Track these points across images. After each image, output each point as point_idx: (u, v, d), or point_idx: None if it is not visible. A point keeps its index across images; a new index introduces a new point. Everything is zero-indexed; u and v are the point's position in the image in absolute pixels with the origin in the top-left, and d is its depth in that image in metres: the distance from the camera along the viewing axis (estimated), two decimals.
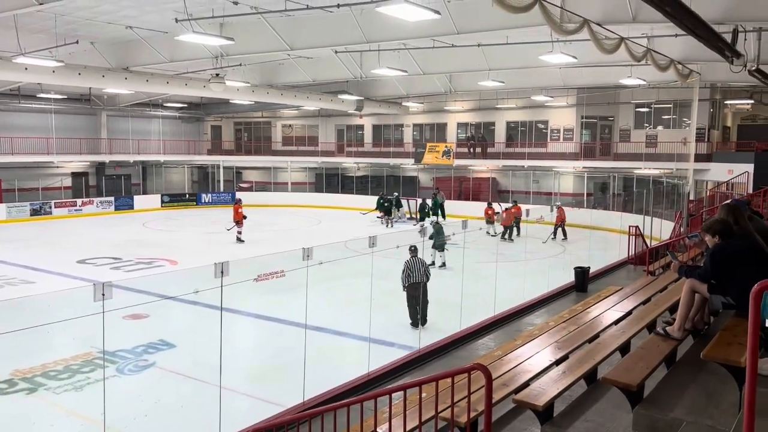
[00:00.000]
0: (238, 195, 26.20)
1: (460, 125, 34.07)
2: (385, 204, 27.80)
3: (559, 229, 22.76)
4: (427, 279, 11.55)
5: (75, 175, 34.28)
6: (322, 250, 7.07)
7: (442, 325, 9.60)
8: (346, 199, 34.32)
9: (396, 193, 29.94)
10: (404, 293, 11.50)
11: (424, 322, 11.34)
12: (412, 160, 33.66)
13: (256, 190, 38.23)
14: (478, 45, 18.37)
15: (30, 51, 16.40)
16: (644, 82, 21.00)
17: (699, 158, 24.40)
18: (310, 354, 7.35)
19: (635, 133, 28.80)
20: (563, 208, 22.63)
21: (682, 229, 17.86)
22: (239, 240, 22.03)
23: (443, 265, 16.83)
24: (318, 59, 22.30)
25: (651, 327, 6.33)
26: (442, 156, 32.20)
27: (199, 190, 38.61)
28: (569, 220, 22.79)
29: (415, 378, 6.74)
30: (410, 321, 11.53)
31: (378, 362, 8.12)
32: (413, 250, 11.82)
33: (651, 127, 28.61)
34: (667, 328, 5.01)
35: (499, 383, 5.08)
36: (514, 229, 22.60)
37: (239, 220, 22.57)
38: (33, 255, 19.56)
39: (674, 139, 26.60)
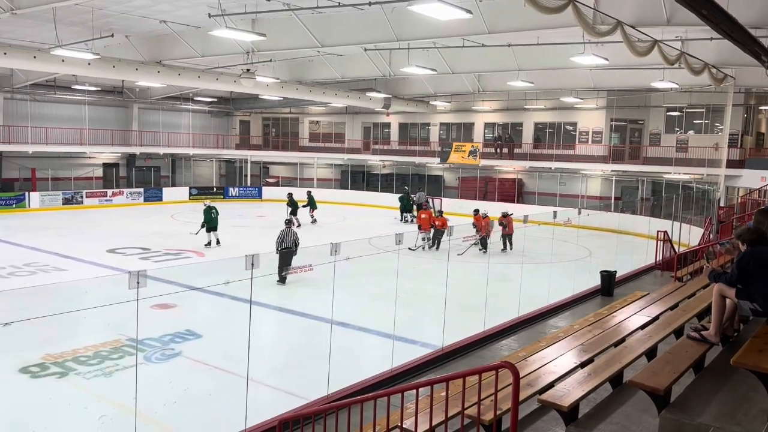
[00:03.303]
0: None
1: (487, 125, 33.92)
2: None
3: (507, 240, 20.12)
4: (296, 246, 14.91)
5: (106, 166, 34.92)
6: (346, 247, 7.14)
7: (465, 325, 9.60)
8: (371, 196, 34.42)
9: (421, 189, 29.89)
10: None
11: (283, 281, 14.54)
12: (437, 159, 33.62)
13: (282, 186, 38.56)
14: (509, 45, 18.30)
15: (67, 43, 16.75)
16: (676, 86, 20.70)
17: (731, 164, 24.02)
18: (334, 348, 7.42)
19: (666, 137, 28.39)
20: (511, 218, 19.87)
21: (711, 236, 17.59)
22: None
23: (217, 242, 20.06)
24: (347, 56, 22.40)
25: (678, 332, 6.29)
26: (469, 156, 32.11)
27: (227, 183, 39.05)
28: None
29: (437, 375, 6.78)
30: (277, 279, 14.30)
31: (401, 359, 8.17)
32: (287, 222, 16.44)
33: (682, 131, 28.19)
34: (703, 332, 5.01)
35: (524, 383, 5.09)
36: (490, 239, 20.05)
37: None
38: (65, 243, 20.00)
39: (706, 144, 26.16)
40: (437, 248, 19.98)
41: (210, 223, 20.09)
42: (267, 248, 17.03)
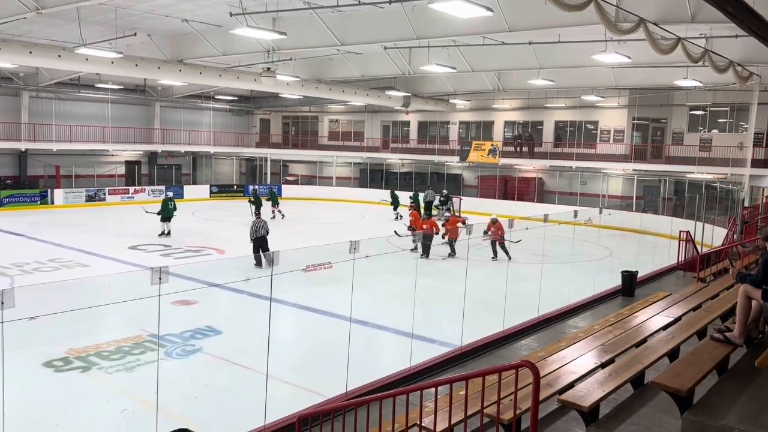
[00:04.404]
0: None
1: (507, 124, 33.73)
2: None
3: (495, 247, 18.02)
4: (267, 233, 16.55)
5: (128, 164, 35.35)
6: (365, 245, 7.15)
7: (484, 324, 9.57)
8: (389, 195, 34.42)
9: (445, 191, 29.89)
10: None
11: (270, 263, 14.21)
12: (457, 158, 33.51)
13: (301, 184, 38.73)
14: (530, 43, 18.20)
15: (91, 42, 16.98)
16: (700, 84, 20.42)
17: (756, 164, 23.63)
18: (352, 346, 7.44)
19: (689, 136, 28.01)
20: (501, 222, 17.72)
21: (735, 236, 17.33)
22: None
23: (168, 233, 21.17)
24: (367, 55, 22.42)
25: (701, 334, 6.21)
26: (488, 154, 31.95)
27: (247, 181, 39.29)
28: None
29: (456, 374, 6.76)
30: (254, 263, 15.76)
31: (419, 357, 8.16)
32: (257, 214, 18.30)
33: (705, 130, 27.80)
34: (727, 334, 4.95)
35: (544, 383, 5.05)
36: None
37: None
38: (87, 239, 20.28)
39: (730, 143, 25.77)
40: (427, 256, 17.82)
41: (166, 212, 21.34)
42: (287, 246, 17.16)
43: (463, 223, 18.70)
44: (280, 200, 28.29)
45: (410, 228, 19.71)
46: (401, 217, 27.00)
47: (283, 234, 22.86)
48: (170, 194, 22.98)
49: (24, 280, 14.33)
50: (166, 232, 21.27)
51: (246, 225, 25.25)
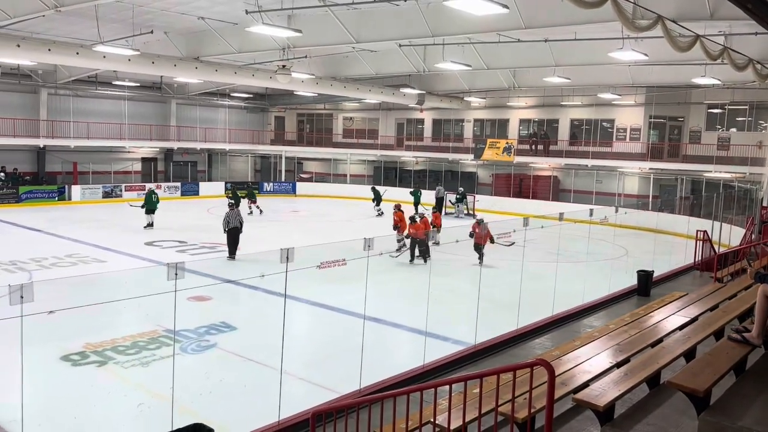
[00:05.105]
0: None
1: (522, 122, 33.57)
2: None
3: (477, 250, 16.09)
4: (241, 225, 16.93)
5: (144, 161, 35.65)
6: (378, 242, 7.15)
7: (498, 323, 9.53)
8: (403, 192, 34.40)
9: (462, 189, 29.87)
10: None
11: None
12: (471, 156, 33.40)
13: (316, 181, 38.81)
14: (545, 40, 18.10)
15: (108, 40, 17.15)
16: (718, 82, 20.18)
17: None
18: (365, 343, 7.45)
19: (706, 135, 27.71)
20: (486, 225, 16.27)
21: (753, 236, 17.11)
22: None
23: (151, 224, 22.06)
24: (381, 52, 22.42)
25: (718, 334, 6.15)
26: (503, 152, 31.81)
27: (262, 179, 39.47)
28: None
29: (470, 372, 6.74)
30: (228, 255, 16.46)
31: (432, 355, 8.14)
32: (231, 205, 17.68)
33: (724, 129, 27.48)
34: (745, 334, 4.89)
35: (558, 382, 5.01)
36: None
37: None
38: (104, 235, 20.48)
39: (749, 142, 25.46)
40: (423, 261, 16.35)
41: (149, 205, 22.22)
42: (301, 242, 17.22)
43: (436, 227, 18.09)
44: (291, 198, 28.51)
45: (394, 228, 18.41)
46: (382, 213, 26.90)
47: (298, 231, 22.95)
48: (153, 187, 24.37)
49: (42, 275, 14.51)
50: (150, 223, 22.03)
51: (258, 221, 25.65)
